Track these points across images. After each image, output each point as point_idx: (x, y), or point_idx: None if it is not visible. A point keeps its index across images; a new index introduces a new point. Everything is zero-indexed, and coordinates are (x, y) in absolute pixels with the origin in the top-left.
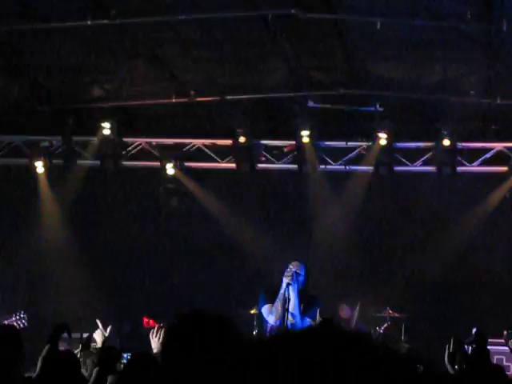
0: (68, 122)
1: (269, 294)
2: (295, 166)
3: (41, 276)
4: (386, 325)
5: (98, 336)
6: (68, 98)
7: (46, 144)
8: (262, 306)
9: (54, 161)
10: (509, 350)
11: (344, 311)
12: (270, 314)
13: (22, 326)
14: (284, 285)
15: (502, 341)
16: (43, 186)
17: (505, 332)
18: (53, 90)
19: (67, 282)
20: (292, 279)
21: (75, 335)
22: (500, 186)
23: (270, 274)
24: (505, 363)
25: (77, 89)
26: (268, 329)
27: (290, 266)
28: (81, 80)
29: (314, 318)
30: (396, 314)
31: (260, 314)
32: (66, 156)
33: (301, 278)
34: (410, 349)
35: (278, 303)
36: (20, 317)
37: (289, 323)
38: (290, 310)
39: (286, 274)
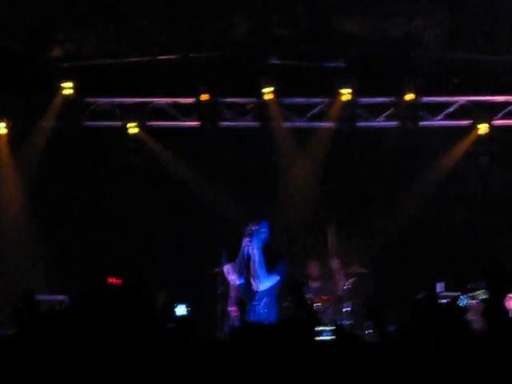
0: (28, 83)
1: (230, 253)
2: (258, 124)
3: None
4: (352, 280)
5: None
6: (28, 57)
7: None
8: (224, 265)
9: (14, 122)
10: (474, 303)
11: (312, 268)
12: (230, 273)
13: None
14: (244, 243)
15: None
16: (4, 148)
17: (471, 285)
18: (12, 49)
19: (27, 250)
20: (252, 238)
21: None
22: (463, 139)
23: (234, 232)
24: (472, 316)
25: (37, 48)
26: (231, 288)
27: (250, 225)
28: (41, 39)
29: (281, 274)
30: (363, 270)
31: (222, 273)
32: (27, 117)
33: (263, 236)
34: (376, 304)
35: (239, 262)
36: None
37: (252, 281)
38: (253, 268)
39: (246, 233)
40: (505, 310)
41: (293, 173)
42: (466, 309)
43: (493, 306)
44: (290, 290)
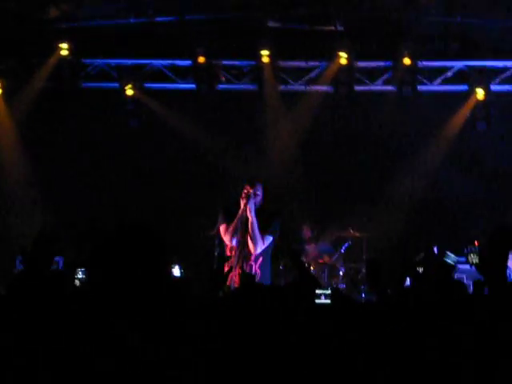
0: (24, 43)
1: (226, 213)
2: (255, 86)
3: None
4: (347, 244)
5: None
6: (24, 18)
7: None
8: (220, 225)
9: (10, 82)
10: (469, 267)
11: (305, 231)
12: (226, 234)
13: None
14: (242, 205)
15: (462, 259)
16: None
17: (465, 249)
18: (8, 9)
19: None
20: (248, 200)
21: None
22: (462, 104)
23: (230, 192)
24: (465, 281)
25: (33, 9)
26: (228, 248)
27: (247, 187)
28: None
29: (274, 233)
30: (357, 234)
31: (219, 234)
32: (22, 77)
33: (258, 198)
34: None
35: (236, 224)
36: None
37: (250, 242)
38: (249, 230)
39: (242, 195)
40: (504, 266)
41: (283, 135)
42: (454, 266)
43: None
44: (290, 258)
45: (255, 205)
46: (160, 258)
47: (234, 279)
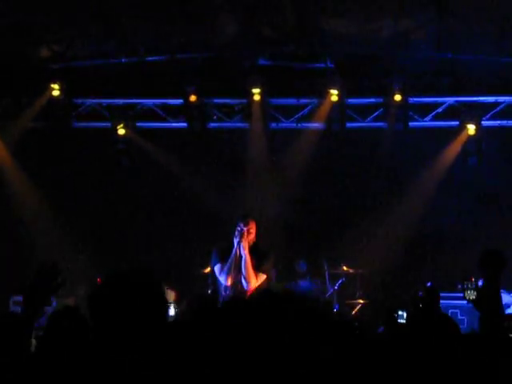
0: (16, 83)
1: (221, 252)
2: (246, 125)
3: None
4: (340, 281)
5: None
6: (16, 57)
7: None
8: (215, 265)
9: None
10: (465, 303)
11: (301, 266)
12: (221, 273)
13: None
14: (235, 244)
15: (457, 295)
16: None
17: (459, 286)
18: (1, 49)
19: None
20: (241, 238)
21: None
22: (453, 140)
23: (223, 231)
24: (459, 317)
25: (25, 49)
26: (222, 287)
27: (241, 225)
28: (29, 40)
29: (266, 272)
30: (351, 270)
31: (213, 273)
32: (14, 117)
33: (251, 236)
34: (365, 304)
35: (230, 263)
36: None
37: (243, 281)
38: (243, 267)
39: (236, 233)
40: (498, 302)
41: (273, 172)
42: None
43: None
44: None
45: (249, 243)
46: (160, 303)
47: None
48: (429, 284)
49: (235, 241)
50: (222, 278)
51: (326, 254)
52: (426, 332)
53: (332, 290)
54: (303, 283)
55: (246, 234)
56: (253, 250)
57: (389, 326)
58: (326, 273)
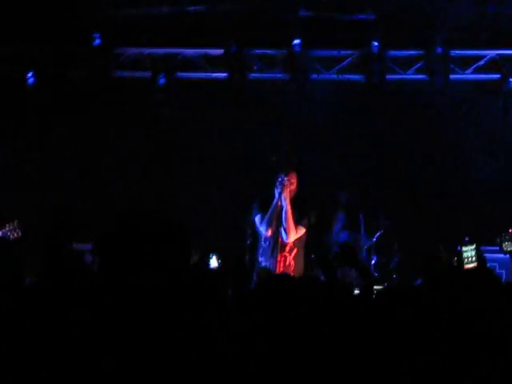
0: (57, 33)
1: (262, 203)
2: (287, 76)
3: None
4: (379, 233)
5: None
6: (57, 7)
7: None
8: (256, 216)
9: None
10: (503, 256)
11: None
12: (262, 224)
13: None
14: (277, 195)
15: (495, 248)
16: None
17: (497, 239)
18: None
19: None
20: (282, 189)
21: None
22: (493, 93)
23: (265, 182)
24: (498, 270)
25: None
26: (262, 238)
27: (282, 175)
28: None
29: (306, 226)
30: (389, 223)
31: (253, 224)
32: (55, 66)
33: (292, 187)
34: (401, 258)
35: (271, 214)
36: (13, 227)
37: (283, 232)
38: (284, 219)
39: (277, 184)
40: None
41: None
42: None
43: None
44: (322, 269)
45: (290, 193)
46: (182, 247)
47: (274, 266)
48: (466, 239)
49: (276, 192)
50: (262, 229)
51: (363, 207)
52: (464, 285)
53: (369, 243)
54: (343, 234)
55: (287, 184)
56: (295, 201)
57: (428, 275)
58: (362, 226)
